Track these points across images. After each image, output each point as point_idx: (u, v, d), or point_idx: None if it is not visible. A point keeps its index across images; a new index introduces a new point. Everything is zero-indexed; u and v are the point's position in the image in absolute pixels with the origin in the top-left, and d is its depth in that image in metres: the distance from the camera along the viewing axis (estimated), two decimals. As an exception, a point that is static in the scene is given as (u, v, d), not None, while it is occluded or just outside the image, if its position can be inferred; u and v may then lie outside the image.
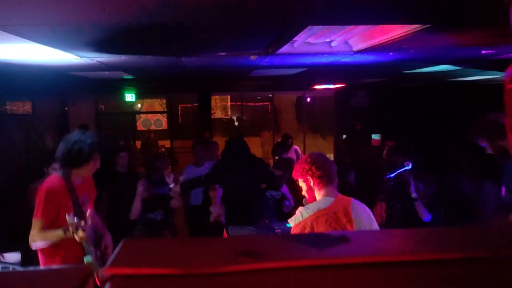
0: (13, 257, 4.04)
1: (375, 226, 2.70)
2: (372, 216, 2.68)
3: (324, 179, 2.63)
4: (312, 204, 2.63)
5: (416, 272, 0.78)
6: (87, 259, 2.92)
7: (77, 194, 3.05)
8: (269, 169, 5.00)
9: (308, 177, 2.66)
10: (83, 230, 2.75)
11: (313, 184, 2.66)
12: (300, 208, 2.64)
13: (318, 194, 2.66)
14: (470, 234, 1.03)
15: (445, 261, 0.81)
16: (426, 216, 4.33)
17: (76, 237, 2.75)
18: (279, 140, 10.20)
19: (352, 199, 2.65)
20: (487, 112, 3.40)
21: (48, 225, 2.90)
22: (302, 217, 2.57)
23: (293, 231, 2.61)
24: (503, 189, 3.33)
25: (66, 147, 2.99)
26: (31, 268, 0.84)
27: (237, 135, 6.49)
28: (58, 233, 2.83)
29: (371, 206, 2.78)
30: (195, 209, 5.69)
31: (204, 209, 4.96)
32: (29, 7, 2.45)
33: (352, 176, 5.94)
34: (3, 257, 3.92)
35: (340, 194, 2.66)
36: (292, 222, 2.63)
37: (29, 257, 4.25)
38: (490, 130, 3.32)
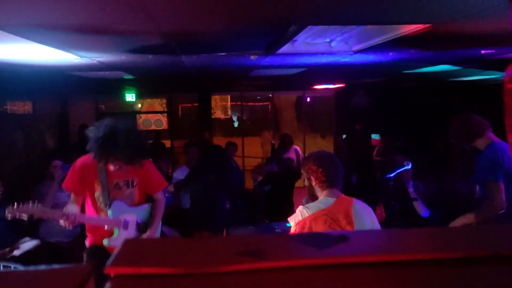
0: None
1: (377, 227, 2.68)
2: (374, 217, 2.64)
3: (327, 183, 2.61)
4: (313, 204, 2.61)
5: (416, 272, 0.78)
6: (105, 241, 3.06)
7: (107, 175, 3.10)
8: (230, 181, 5.09)
9: (311, 177, 2.66)
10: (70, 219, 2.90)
11: (315, 185, 2.65)
12: (300, 207, 2.62)
13: (320, 194, 2.65)
14: (470, 233, 1.04)
15: (445, 261, 0.81)
16: (424, 212, 4.34)
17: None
18: (273, 142, 10.25)
19: (355, 200, 2.62)
20: (459, 112, 3.59)
21: (77, 195, 3.16)
22: (301, 216, 2.56)
23: (292, 230, 2.60)
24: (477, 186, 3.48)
25: (94, 135, 2.95)
26: (31, 268, 0.84)
27: (216, 145, 6.57)
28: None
29: (372, 206, 2.75)
30: (184, 212, 5.60)
31: (192, 212, 4.99)
32: (29, 7, 2.45)
33: (354, 177, 5.94)
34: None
35: (343, 195, 2.63)
36: (292, 221, 2.62)
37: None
38: (464, 130, 3.45)
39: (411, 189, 4.36)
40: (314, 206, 2.58)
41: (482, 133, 3.39)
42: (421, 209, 4.34)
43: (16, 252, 3.93)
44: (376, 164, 5.52)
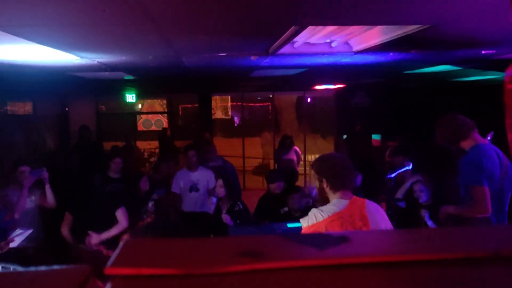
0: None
1: (390, 227, 2.65)
2: (386, 218, 2.61)
3: (338, 185, 2.56)
4: (327, 207, 2.56)
5: (417, 272, 0.78)
6: None
7: None
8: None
9: (323, 179, 2.61)
10: None
11: (327, 187, 2.61)
12: (314, 210, 2.57)
13: (332, 196, 2.59)
14: (470, 234, 1.03)
15: (446, 261, 0.81)
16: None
17: None
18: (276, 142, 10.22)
19: (367, 201, 2.58)
20: (446, 113, 3.59)
21: None
22: (316, 219, 2.50)
23: (304, 232, 2.55)
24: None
25: None
26: (31, 269, 0.84)
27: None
28: None
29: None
30: (188, 216, 5.51)
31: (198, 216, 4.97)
32: (30, 7, 2.45)
33: (359, 179, 5.91)
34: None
35: (355, 196, 2.59)
36: (304, 223, 2.55)
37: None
38: (449, 131, 3.45)
39: (426, 217, 4.24)
40: (328, 209, 2.53)
41: (467, 135, 3.38)
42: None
43: (13, 244, 3.92)
44: (388, 165, 5.52)
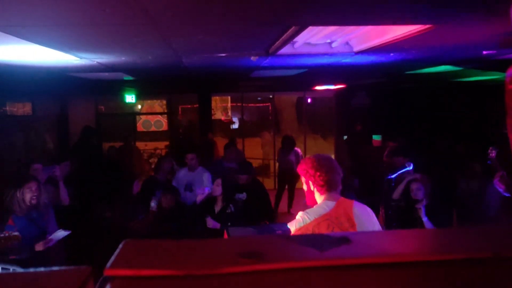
0: None
1: (378, 228, 2.65)
2: (375, 218, 2.61)
3: (325, 187, 2.57)
4: (313, 209, 2.57)
5: (417, 273, 0.78)
6: None
7: None
8: None
9: (310, 181, 2.62)
10: None
11: (314, 189, 2.62)
12: (301, 213, 2.57)
13: (319, 198, 2.61)
14: (471, 235, 1.03)
15: (447, 262, 0.81)
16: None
17: None
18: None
19: (354, 202, 2.59)
20: (461, 113, 3.52)
21: None
22: (303, 222, 2.51)
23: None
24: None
25: None
26: (31, 270, 0.84)
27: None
28: None
29: (372, 207, 2.73)
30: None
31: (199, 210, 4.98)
32: (29, 8, 2.45)
33: (356, 182, 5.91)
34: None
35: (342, 197, 2.60)
36: (292, 227, 2.57)
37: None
38: None
39: (422, 213, 4.22)
40: (315, 212, 2.55)
41: None
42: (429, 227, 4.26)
43: (50, 244, 3.93)
44: (386, 165, 5.51)
